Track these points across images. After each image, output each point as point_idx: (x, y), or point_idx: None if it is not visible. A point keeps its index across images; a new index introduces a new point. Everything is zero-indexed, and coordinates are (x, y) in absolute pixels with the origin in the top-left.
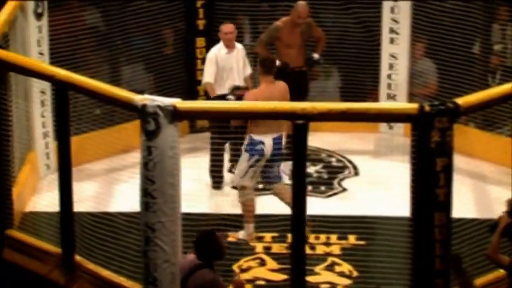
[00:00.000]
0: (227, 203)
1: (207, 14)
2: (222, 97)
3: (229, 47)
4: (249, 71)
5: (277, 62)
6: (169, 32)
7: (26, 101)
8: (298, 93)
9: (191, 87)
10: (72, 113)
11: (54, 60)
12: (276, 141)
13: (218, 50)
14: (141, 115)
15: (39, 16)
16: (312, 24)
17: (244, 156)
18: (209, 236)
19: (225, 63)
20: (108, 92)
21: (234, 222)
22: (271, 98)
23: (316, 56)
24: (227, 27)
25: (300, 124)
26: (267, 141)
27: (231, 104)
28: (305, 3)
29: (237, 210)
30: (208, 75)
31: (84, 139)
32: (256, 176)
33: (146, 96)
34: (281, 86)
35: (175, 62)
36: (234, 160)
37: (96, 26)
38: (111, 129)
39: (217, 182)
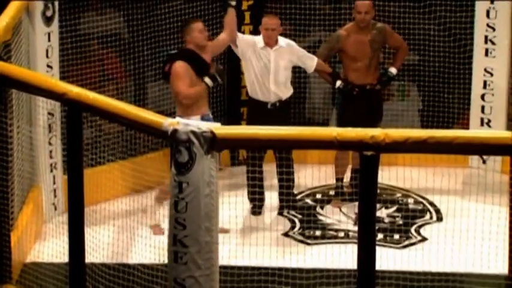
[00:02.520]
0: (274, 252)
1: (254, 18)
2: (256, 103)
3: (269, 44)
4: (313, 63)
5: (338, 82)
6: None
7: (29, 124)
8: (368, 117)
9: (234, 109)
10: (86, 140)
11: (66, 75)
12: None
13: (256, 40)
14: (171, 143)
15: (48, 20)
16: (387, 30)
17: None
18: None
19: (257, 58)
20: (131, 114)
21: (284, 278)
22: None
23: (393, 70)
24: (269, 22)
25: (369, 156)
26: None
27: (283, 131)
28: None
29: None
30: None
31: (101, 172)
32: None
33: (177, 119)
34: None
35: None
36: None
37: (118, 33)
38: (133, 161)
39: (256, 206)
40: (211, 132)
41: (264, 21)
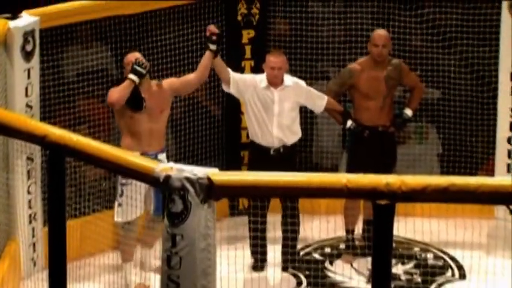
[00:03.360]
0: None
1: (256, 52)
2: (258, 148)
3: (273, 84)
4: (322, 102)
5: (349, 123)
6: None
7: (6, 171)
8: (380, 162)
9: (233, 153)
10: (69, 187)
11: (48, 116)
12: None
13: (258, 79)
14: (164, 191)
15: (28, 55)
16: (402, 67)
17: None
18: None
19: (259, 99)
20: (119, 158)
21: None
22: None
23: (408, 112)
24: (274, 60)
25: (384, 205)
26: None
27: (287, 177)
28: (384, 31)
29: None
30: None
31: (86, 223)
32: None
33: (171, 164)
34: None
35: (211, 118)
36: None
37: (105, 68)
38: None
39: (258, 261)
40: (208, 178)
41: (269, 59)
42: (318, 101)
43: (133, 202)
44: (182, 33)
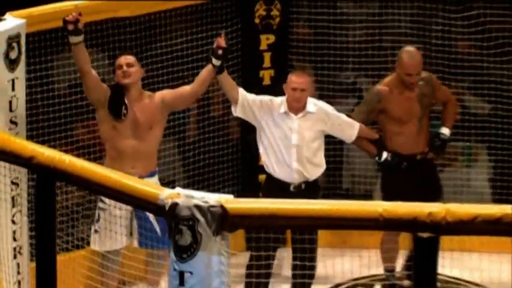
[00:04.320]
0: None
1: (276, 60)
2: (275, 182)
3: (294, 109)
4: (353, 131)
5: (385, 154)
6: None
7: None
8: (422, 193)
9: (250, 177)
10: (60, 217)
11: (35, 133)
12: None
13: (277, 102)
14: (169, 220)
15: (12, 63)
16: (434, 81)
17: None
18: None
19: (276, 127)
20: (118, 183)
21: None
22: None
23: (446, 131)
24: (297, 80)
25: (426, 239)
26: None
27: (315, 206)
28: (414, 50)
29: None
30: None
31: (78, 259)
32: None
33: (178, 190)
34: None
35: (225, 137)
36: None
37: (102, 79)
38: None
39: None
40: (221, 206)
41: (290, 79)
42: (348, 129)
43: (112, 233)
44: (190, 38)
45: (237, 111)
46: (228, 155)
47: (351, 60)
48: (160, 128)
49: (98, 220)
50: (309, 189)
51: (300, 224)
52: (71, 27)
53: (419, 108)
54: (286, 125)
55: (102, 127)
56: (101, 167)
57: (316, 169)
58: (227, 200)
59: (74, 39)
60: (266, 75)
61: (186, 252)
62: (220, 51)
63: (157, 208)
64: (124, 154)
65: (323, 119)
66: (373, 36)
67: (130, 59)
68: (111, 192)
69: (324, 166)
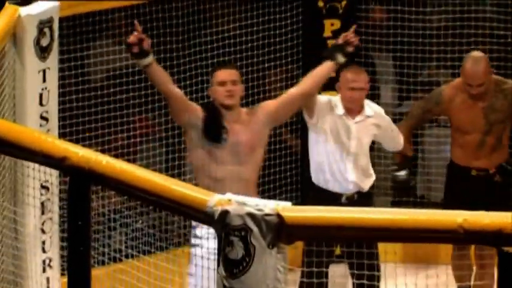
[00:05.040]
0: None
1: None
2: (324, 194)
3: (351, 111)
4: (401, 140)
5: (403, 172)
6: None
7: (13, 203)
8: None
9: (311, 183)
10: (95, 225)
11: (69, 131)
12: None
13: (333, 102)
14: (218, 230)
15: (44, 52)
16: (502, 85)
17: None
18: None
19: (331, 132)
20: (161, 187)
21: None
22: None
23: None
24: (356, 78)
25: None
26: None
27: (388, 214)
28: (479, 57)
29: None
30: None
31: (116, 272)
32: None
33: (228, 195)
34: None
35: (282, 142)
36: None
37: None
38: (163, 256)
39: None
40: (278, 215)
41: (346, 77)
42: (398, 137)
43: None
44: (244, 23)
45: (312, 119)
46: (284, 162)
47: (428, 49)
48: (263, 149)
49: (192, 262)
50: (362, 200)
51: (368, 236)
52: (135, 50)
53: (483, 122)
54: (343, 129)
55: (194, 153)
56: (142, 169)
57: (368, 179)
58: (284, 208)
59: (142, 62)
60: None
61: (237, 267)
62: (351, 48)
63: (205, 216)
64: (222, 183)
65: (378, 123)
66: (454, 21)
67: (235, 75)
68: (154, 198)
69: (374, 176)
